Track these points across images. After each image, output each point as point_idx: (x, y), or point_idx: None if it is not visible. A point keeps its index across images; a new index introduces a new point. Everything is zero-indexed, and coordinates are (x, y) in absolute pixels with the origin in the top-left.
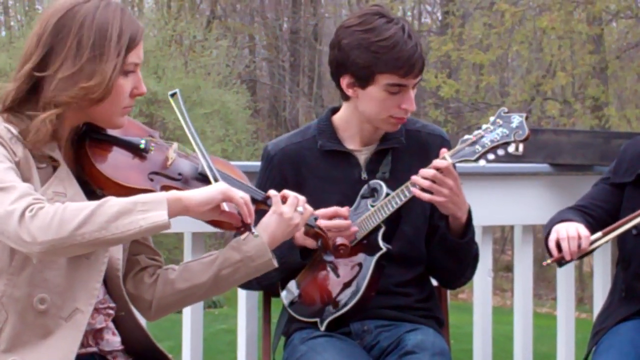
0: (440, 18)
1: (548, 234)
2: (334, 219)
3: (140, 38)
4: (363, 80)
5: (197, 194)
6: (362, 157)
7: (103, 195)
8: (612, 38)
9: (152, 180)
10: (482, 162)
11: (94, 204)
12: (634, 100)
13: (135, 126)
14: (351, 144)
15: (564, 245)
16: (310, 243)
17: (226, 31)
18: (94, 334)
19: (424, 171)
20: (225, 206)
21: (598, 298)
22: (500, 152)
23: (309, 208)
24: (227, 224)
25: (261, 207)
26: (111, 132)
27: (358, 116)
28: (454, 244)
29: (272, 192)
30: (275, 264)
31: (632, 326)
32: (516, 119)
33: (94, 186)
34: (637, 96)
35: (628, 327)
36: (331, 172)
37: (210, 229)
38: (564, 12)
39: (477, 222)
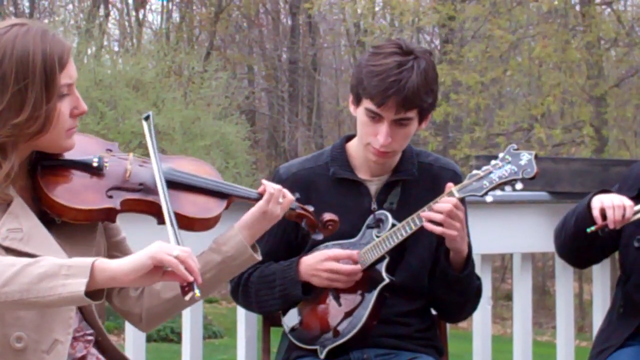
0: (439, 47)
1: (588, 204)
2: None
3: (68, 57)
4: (355, 99)
5: (124, 263)
6: (373, 187)
7: (63, 222)
8: (609, 65)
9: (111, 197)
10: (489, 198)
11: (24, 262)
12: (632, 127)
13: (91, 142)
14: (363, 173)
15: (609, 213)
16: (315, 280)
17: (225, 62)
18: None
19: (440, 206)
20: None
21: (598, 325)
22: (508, 188)
23: (289, 196)
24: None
25: (244, 201)
26: (66, 155)
27: None
28: (455, 277)
29: (268, 189)
30: (259, 257)
31: (631, 353)
32: (525, 157)
33: (52, 214)
34: (635, 123)
35: (627, 354)
36: (341, 201)
37: None
38: (560, 40)
39: (476, 251)
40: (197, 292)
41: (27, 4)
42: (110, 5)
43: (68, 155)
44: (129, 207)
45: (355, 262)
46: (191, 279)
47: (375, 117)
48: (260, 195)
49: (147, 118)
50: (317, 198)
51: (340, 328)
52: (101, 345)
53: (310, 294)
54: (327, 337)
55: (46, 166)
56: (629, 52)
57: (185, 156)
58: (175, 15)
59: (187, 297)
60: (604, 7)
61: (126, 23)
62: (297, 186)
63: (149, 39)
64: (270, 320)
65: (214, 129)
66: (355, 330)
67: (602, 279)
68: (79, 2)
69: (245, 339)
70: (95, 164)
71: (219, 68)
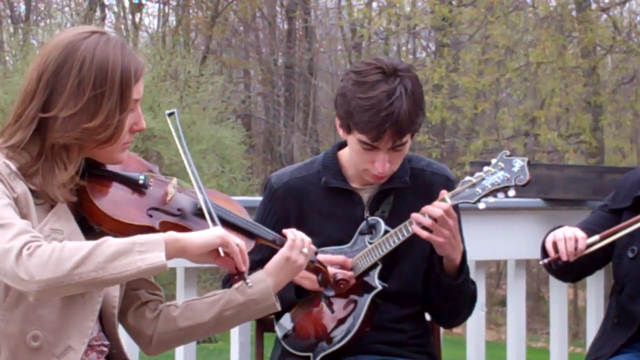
0: (434, 50)
1: (545, 237)
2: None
3: (141, 74)
4: (345, 128)
5: (195, 237)
6: (366, 195)
7: (101, 232)
8: (605, 72)
9: (151, 216)
10: (481, 206)
11: (91, 243)
12: (628, 134)
13: (135, 161)
14: (355, 182)
15: (561, 245)
16: (307, 283)
17: (221, 66)
18: None
19: (431, 210)
20: (222, 251)
21: (591, 332)
22: (500, 195)
23: (312, 247)
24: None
25: (269, 245)
26: (110, 167)
27: None
28: (448, 285)
29: (288, 235)
30: (279, 307)
31: None
32: (518, 163)
33: (92, 222)
34: (631, 130)
35: None
36: (333, 209)
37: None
38: (557, 45)
39: (471, 257)
40: (248, 281)
41: (23, 6)
42: (106, 9)
43: (112, 169)
44: (165, 229)
45: (349, 269)
46: (244, 268)
47: (371, 149)
48: (282, 238)
49: (170, 114)
50: (309, 207)
51: (333, 335)
52: (114, 359)
53: (304, 297)
54: (320, 345)
55: (93, 174)
56: (626, 58)
57: (218, 192)
58: (172, 19)
59: (236, 285)
60: (600, 13)
61: (122, 26)
62: (289, 196)
63: (145, 42)
64: (264, 325)
65: (210, 133)
66: (348, 337)
67: (596, 287)
68: (75, 5)
69: (238, 344)
70: (141, 182)
71: (215, 72)
